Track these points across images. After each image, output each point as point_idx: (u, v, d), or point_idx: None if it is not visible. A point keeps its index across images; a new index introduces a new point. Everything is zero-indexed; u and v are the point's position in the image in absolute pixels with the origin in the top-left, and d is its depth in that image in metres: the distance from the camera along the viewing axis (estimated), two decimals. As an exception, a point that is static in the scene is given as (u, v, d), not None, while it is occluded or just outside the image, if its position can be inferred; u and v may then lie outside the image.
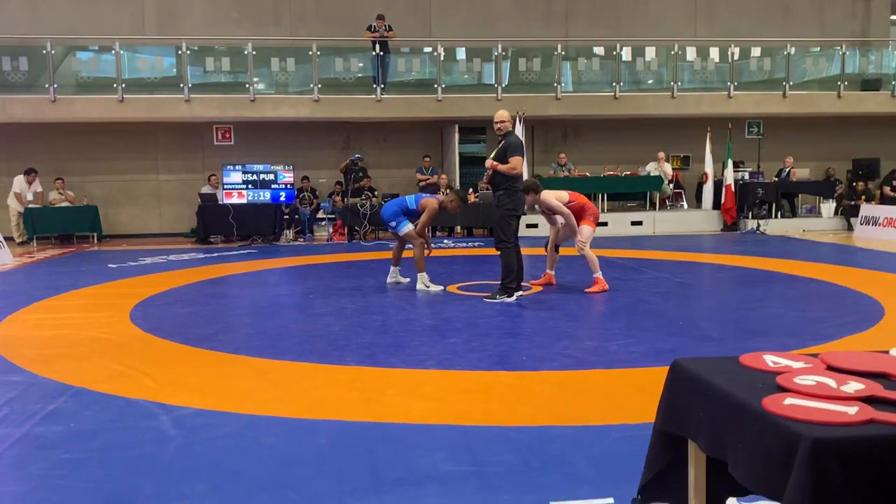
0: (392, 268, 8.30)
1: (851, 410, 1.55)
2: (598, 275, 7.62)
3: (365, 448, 3.41)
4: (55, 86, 13.52)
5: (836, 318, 6.18)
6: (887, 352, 2.00)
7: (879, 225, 13.12)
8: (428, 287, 7.80)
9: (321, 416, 3.86)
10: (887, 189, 15.38)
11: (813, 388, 1.70)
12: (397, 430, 3.65)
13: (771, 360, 1.95)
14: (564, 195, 7.77)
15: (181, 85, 13.84)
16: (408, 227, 7.86)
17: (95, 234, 14.05)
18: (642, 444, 2.70)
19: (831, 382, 1.74)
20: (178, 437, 3.57)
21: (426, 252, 7.97)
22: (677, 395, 1.95)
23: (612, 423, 3.67)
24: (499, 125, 7.13)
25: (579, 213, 7.72)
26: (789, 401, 1.61)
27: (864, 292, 7.33)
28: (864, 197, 14.84)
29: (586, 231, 7.67)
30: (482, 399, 4.13)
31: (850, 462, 1.42)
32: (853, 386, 1.71)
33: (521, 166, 7.05)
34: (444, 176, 14.30)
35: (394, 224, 7.93)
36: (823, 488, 1.40)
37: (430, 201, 7.90)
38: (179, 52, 14.00)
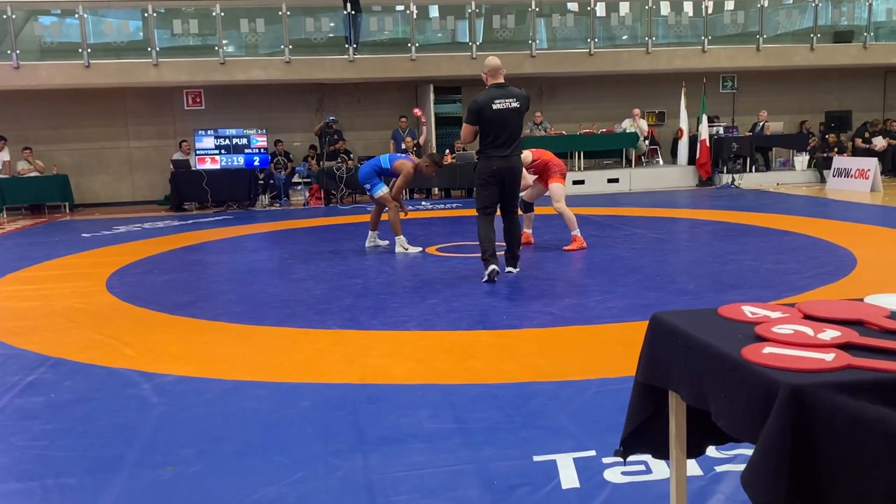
0: (370, 232, 8.26)
1: (828, 357, 1.58)
2: (577, 232, 7.61)
3: (348, 409, 3.43)
4: (18, 52, 13.15)
5: (810, 269, 6.28)
6: (862, 300, 2.04)
7: (851, 177, 13.27)
8: (406, 249, 7.79)
9: (304, 380, 3.87)
10: (859, 141, 15.52)
11: (791, 336, 1.72)
12: (380, 391, 3.68)
13: (749, 310, 1.97)
14: (528, 155, 7.51)
15: (149, 49, 13.52)
16: (382, 190, 7.81)
17: (67, 204, 13.82)
18: (622, 397, 2.74)
19: (808, 331, 1.76)
20: (160, 405, 3.57)
21: (401, 215, 7.93)
22: (657, 348, 1.97)
23: (591, 377, 3.72)
24: None
25: (544, 171, 7.57)
26: (768, 350, 1.63)
27: (837, 243, 7.44)
28: (836, 149, 14.97)
29: (557, 189, 7.53)
30: (464, 358, 4.17)
31: (827, 407, 1.44)
32: (830, 333, 1.74)
33: (466, 135, 6.19)
34: (408, 140, 14.12)
35: (368, 187, 7.88)
36: (801, 433, 1.43)
37: (406, 164, 7.82)
38: (146, 14, 13.64)
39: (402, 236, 7.85)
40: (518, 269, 6.42)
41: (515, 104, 6.04)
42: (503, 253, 6.44)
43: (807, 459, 1.43)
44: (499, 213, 6.34)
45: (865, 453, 1.43)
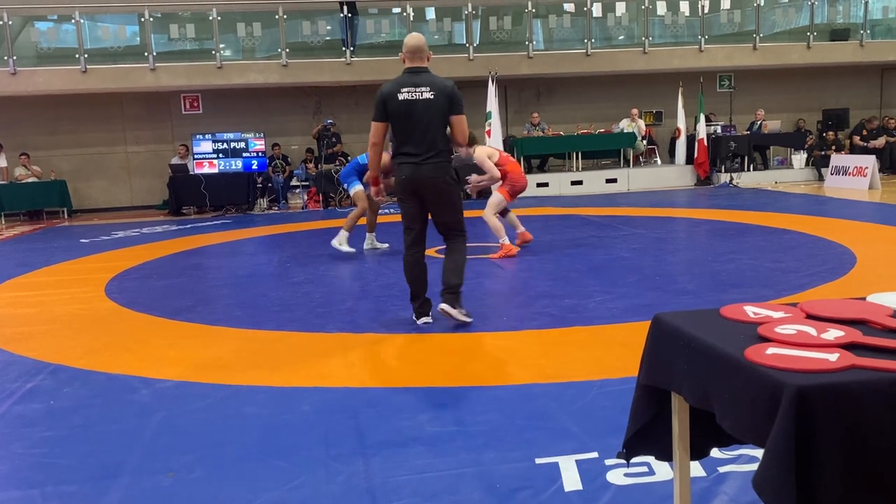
0: (368, 234, 8.25)
1: (832, 357, 1.57)
2: (504, 240, 7.35)
3: (349, 413, 3.42)
4: (14, 58, 13.14)
5: (810, 267, 6.27)
6: (864, 298, 2.03)
7: (849, 174, 13.27)
8: (341, 245, 7.83)
9: (304, 384, 3.85)
10: (857, 139, 15.53)
11: (794, 336, 1.71)
12: (381, 394, 3.66)
13: (751, 310, 1.96)
14: (495, 153, 7.41)
15: (146, 53, 13.52)
16: (356, 188, 7.89)
17: (65, 210, 13.80)
18: (624, 398, 2.74)
19: (811, 331, 1.75)
20: (160, 410, 3.55)
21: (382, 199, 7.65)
22: (660, 349, 1.96)
23: (593, 378, 3.71)
24: None
25: (505, 179, 7.37)
26: (771, 350, 1.63)
27: (836, 241, 7.44)
28: (834, 147, 14.98)
29: (495, 199, 7.40)
30: (464, 360, 4.15)
31: (833, 407, 1.44)
32: (833, 333, 1.73)
33: (373, 133, 4.75)
34: None
35: (346, 185, 8.01)
36: (807, 434, 1.42)
37: (385, 156, 7.71)
38: (142, 19, 13.65)
39: (347, 233, 7.85)
40: (459, 313, 4.71)
41: (429, 95, 4.65)
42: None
43: (814, 460, 1.42)
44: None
45: (870, 453, 1.42)
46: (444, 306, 4.73)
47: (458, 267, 4.79)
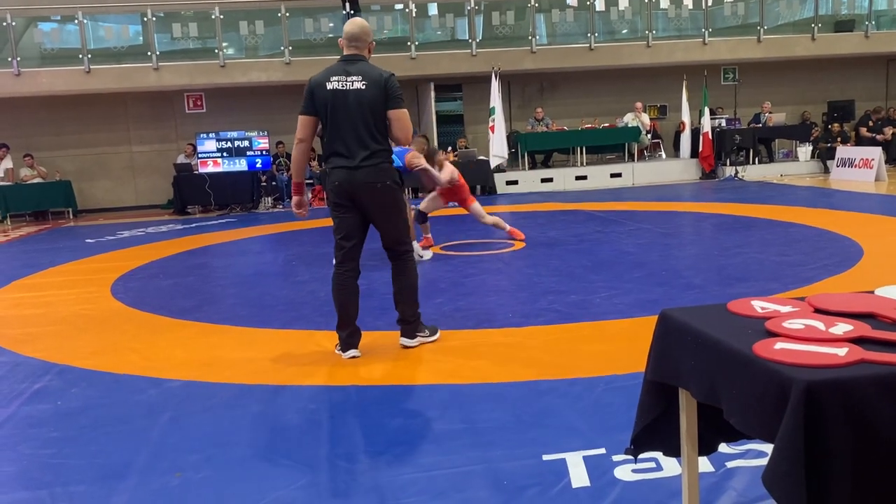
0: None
1: (841, 352, 1.56)
2: (510, 227, 8.01)
3: (356, 411, 3.42)
4: (18, 59, 13.17)
5: (816, 260, 6.25)
6: (873, 292, 2.01)
7: (855, 166, 13.21)
8: (422, 257, 7.44)
9: (311, 382, 3.85)
10: (863, 130, 15.46)
11: (802, 331, 1.70)
12: (387, 392, 3.66)
13: (759, 305, 1.95)
14: (456, 174, 7.72)
15: (149, 53, 13.54)
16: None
17: (70, 210, 13.84)
18: (631, 394, 2.73)
19: (820, 325, 1.74)
20: (167, 410, 3.56)
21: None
22: (667, 345, 1.95)
23: (600, 374, 3.70)
24: None
25: (464, 193, 7.80)
26: (779, 345, 1.61)
27: (842, 234, 7.41)
28: (839, 139, 14.92)
29: (479, 208, 7.85)
30: (470, 357, 4.15)
31: (842, 403, 1.43)
32: (842, 327, 1.71)
33: (300, 130, 4.25)
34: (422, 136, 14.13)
35: None
36: (816, 429, 1.41)
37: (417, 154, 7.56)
38: (145, 19, 13.66)
39: (416, 242, 7.57)
40: (421, 340, 4.36)
41: (361, 84, 4.03)
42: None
43: (824, 456, 1.41)
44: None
45: (880, 448, 1.41)
46: (402, 341, 4.34)
47: (409, 295, 4.31)
